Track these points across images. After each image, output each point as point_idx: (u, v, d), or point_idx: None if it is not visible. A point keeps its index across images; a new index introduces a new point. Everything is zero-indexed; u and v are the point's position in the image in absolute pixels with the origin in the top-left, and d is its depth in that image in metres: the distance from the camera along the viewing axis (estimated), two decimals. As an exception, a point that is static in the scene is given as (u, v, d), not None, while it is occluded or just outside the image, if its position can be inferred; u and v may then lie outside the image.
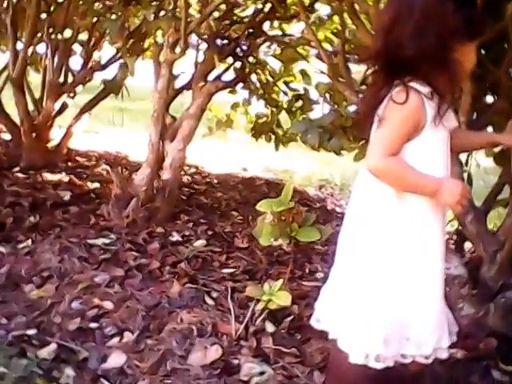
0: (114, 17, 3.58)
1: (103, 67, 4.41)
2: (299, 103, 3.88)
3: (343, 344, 1.51)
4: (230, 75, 3.88)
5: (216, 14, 3.60)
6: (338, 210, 4.29)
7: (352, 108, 2.73)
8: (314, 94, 3.69)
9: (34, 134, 4.19)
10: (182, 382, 1.94)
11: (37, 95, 4.34)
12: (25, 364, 1.95)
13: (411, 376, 1.58)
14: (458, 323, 1.62)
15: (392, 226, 1.46)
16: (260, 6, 3.67)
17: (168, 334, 2.17)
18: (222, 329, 2.21)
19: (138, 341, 2.15)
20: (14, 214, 3.16)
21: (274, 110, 4.16)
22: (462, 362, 2.01)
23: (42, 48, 4.36)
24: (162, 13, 3.23)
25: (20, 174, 3.90)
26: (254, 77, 4.09)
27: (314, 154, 4.11)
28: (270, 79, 4.12)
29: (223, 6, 3.59)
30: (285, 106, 4.05)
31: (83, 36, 4.39)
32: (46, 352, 2.05)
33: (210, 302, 2.41)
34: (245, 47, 3.76)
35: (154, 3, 3.33)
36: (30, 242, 2.86)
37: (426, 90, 1.40)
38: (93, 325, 2.24)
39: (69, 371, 1.96)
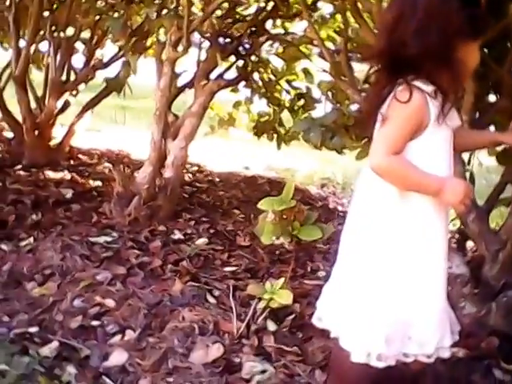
0: (116, 15, 3.58)
1: (105, 65, 4.42)
2: (301, 102, 3.88)
3: (345, 343, 1.51)
4: (232, 74, 3.87)
5: (218, 13, 3.60)
6: (339, 208, 4.29)
7: (354, 107, 2.73)
8: (316, 93, 3.69)
9: (36, 132, 4.20)
10: (183, 380, 1.94)
11: (39, 93, 4.35)
12: (27, 362, 1.96)
13: (413, 375, 1.58)
14: (459, 322, 1.62)
15: (395, 225, 1.46)
16: (263, 4, 3.67)
17: (170, 332, 2.17)
18: (223, 327, 2.21)
19: (139, 339, 2.15)
20: (16, 211, 3.16)
21: (276, 108, 4.16)
22: (463, 360, 2.01)
23: (44, 46, 4.37)
24: (165, 11, 3.22)
25: (22, 172, 3.91)
26: (256, 75, 4.09)
27: (315, 153, 4.11)
28: (273, 78, 4.11)
29: (226, 5, 3.59)
30: (287, 104, 4.04)
31: (86, 34, 4.39)
32: (48, 350, 2.05)
33: (211, 300, 2.41)
34: (247, 46, 3.76)
35: (157, 1, 3.33)
36: (32, 239, 2.86)
37: (429, 88, 1.40)
38: (95, 323, 2.24)
39: (70, 369, 1.97)
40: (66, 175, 3.95)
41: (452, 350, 1.57)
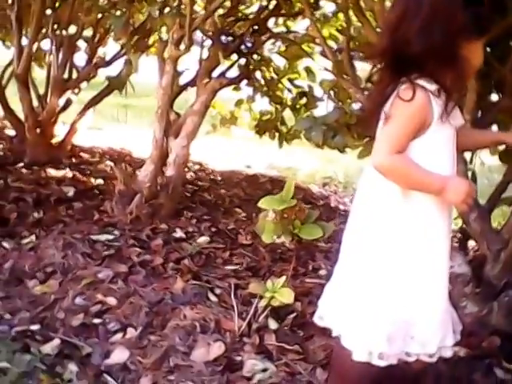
0: (118, 13, 3.58)
1: (108, 63, 4.42)
2: (303, 100, 3.88)
3: (346, 341, 1.51)
4: (234, 72, 3.87)
5: (221, 11, 3.60)
6: (341, 207, 4.29)
7: (356, 105, 2.72)
8: (318, 92, 3.69)
9: (38, 130, 4.20)
10: (184, 378, 1.94)
11: (41, 91, 4.36)
12: (28, 359, 1.96)
13: (414, 374, 1.58)
14: (461, 321, 1.62)
15: (397, 224, 1.46)
16: (265, 2, 3.67)
17: (171, 331, 2.17)
18: (225, 325, 2.21)
19: (141, 337, 2.15)
20: (18, 209, 3.17)
21: (278, 107, 4.16)
22: (464, 360, 2.01)
23: (46, 44, 4.37)
24: (167, 9, 3.22)
25: (24, 170, 3.91)
26: (258, 74, 4.09)
27: (317, 152, 4.11)
28: (275, 76, 4.11)
29: (228, 3, 3.60)
30: (289, 103, 4.05)
31: (88, 32, 4.40)
32: (50, 347, 2.05)
33: (213, 298, 2.41)
34: (249, 44, 3.76)
35: (159, -1, 3.33)
36: (33, 237, 2.87)
37: (432, 87, 1.39)
38: (96, 320, 2.24)
39: (72, 367, 1.97)
40: (68, 173, 3.95)
41: (453, 349, 1.57)
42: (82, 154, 4.64)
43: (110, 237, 2.91)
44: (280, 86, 4.14)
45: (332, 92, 3.08)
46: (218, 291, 2.47)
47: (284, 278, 2.19)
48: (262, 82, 4.15)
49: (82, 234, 2.89)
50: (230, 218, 3.44)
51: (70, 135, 4.43)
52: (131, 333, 2.17)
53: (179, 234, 3.06)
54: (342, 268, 1.59)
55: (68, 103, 4.32)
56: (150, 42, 4.18)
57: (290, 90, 4.09)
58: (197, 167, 4.82)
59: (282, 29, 4.02)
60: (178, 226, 3.16)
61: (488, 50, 1.92)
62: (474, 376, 1.99)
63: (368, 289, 1.50)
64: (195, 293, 2.42)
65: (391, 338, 1.46)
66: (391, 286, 1.48)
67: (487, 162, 2.77)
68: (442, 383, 1.87)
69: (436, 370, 1.74)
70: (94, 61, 4.40)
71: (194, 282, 2.51)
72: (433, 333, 1.50)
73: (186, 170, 4.09)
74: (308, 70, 3.83)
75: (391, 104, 1.42)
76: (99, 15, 4.07)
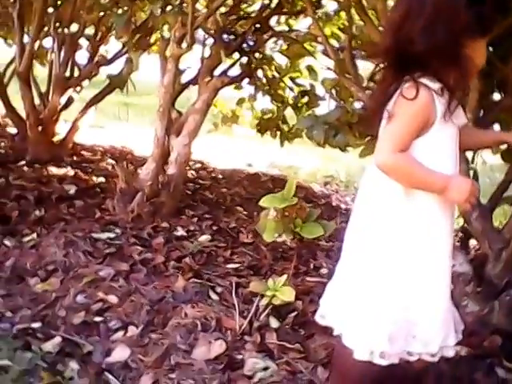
0: (120, 11, 3.58)
1: (109, 62, 4.43)
2: (305, 99, 3.88)
3: (348, 340, 1.51)
4: (236, 70, 3.88)
5: (223, 9, 3.59)
6: (342, 206, 4.29)
7: (358, 104, 2.72)
8: (320, 90, 3.69)
9: (39, 128, 4.21)
10: (185, 377, 1.94)
11: (43, 89, 4.36)
12: (29, 357, 1.96)
13: (416, 373, 1.58)
14: (462, 321, 1.62)
15: (400, 223, 1.46)
16: (267, 1, 3.67)
17: (172, 329, 2.17)
18: (226, 324, 2.21)
19: (142, 335, 2.15)
20: (20, 207, 3.17)
21: (280, 105, 4.17)
22: (466, 359, 2.00)
23: (48, 42, 4.38)
24: (169, 7, 3.22)
25: (25, 168, 3.91)
26: (260, 72, 4.09)
27: (319, 151, 4.11)
28: (276, 75, 4.11)
29: (230, 1, 3.60)
30: (291, 101, 4.05)
31: (90, 30, 4.40)
32: (51, 345, 2.05)
33: (214, 297, 2.41)
34: (251, 43, 3.76)
35: (161, -2, 3.33)
36: (35, 235, 2.87)
37: (436, 86, 1.39)
38: (97, 319, 2.24)
39: (73, 365, 1.97)
40: (70, 171, 3.95)
41: (455, 349, 1.57)
42: (83, 152, 4.64)
43: (112, 235, 2.92)
44: (282, 84, 4.14)
45: (334, 91, 3.07)
46: (219, 290, 2.47)
47: (285, 276, 2.19)
48: (264, 80, 4.15)
49: (84, 232, 2.89)
50: (232, 217, 3.44)
51: (71, 133, 4.43)
52: (132, 331, 2.18)
53: (180, 232, 3.06)
54: (344, 267, 1.59)
55: (70, 101, 4.32)
56: (152, 40, 4.18)
57: (291, 89, 4.09)
58: (198, 166, 4.82)
59: (284, 27, 4.02)
60: (180, 224, 3.16)
61: (490, 49, 1.92)
62: (476, 375, 1.99)
63: (370, 288, 1.50)
64: (196, 291, 2.42)
65: (393, 338, 1.45)
66: (393, 285, 1.48)
67: (489, 161, 2.77)
68: (443, 382, 1.87)
69: (437, 369, 1.74)
70: (96, 59, 4.41)
71: (195, 280, 2.51)
72: (435, 332, 1.50)
73: (188, 168, 4.10)
74: (310, 69, 3.83)
75: (394, 103, 1.42)
76: (101, 13, 4.06)
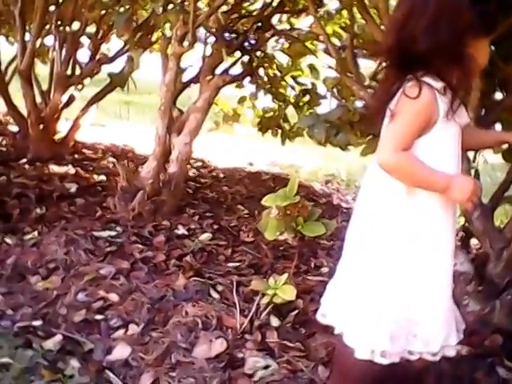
0: (122, 9, 3.57)
1: (111, 60, 4.42)
2: (306, 98, 3.88)
3: (349, 339, 1.51)
4: (237, 69, 3.88)
5: (224, 8, 3.59)
6: (343, 205, 4.29)
7: (360, 103, 2.72)
8: (321, 89, 3.69)
9: (41, 126, 4.21)
10: (186, 375, 1.94)
11: (44, 87, 4.36)
12: (30, 355, 1.96)
13: (416, 372, 1.57)
14: (463, 320, 1.61)
15: (401, 222, 1.45)
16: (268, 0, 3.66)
17: (173, 327, 2.17)
18: (226, 322, 2.21)
19: (142, 333, 2.15)
20: (21, 205, 3.17)
21: (281, 104, 4.16)
22: (466, 358, 2.00)
23: (50, 40, 4.38)
24: (171, 6, 3.22)
25: (27, 166, 3.91)
26: (261, 71, 4.09)
27: (320, 149, 4.11)
28: (278, 73, 4.11)
29: (232, 0, 3.59)
30: (292, 100, 4.04)
31: (91, 28, 4.40)
32: (52, 343, 2.06)
33: (215, 295, 2.41)
34: (253, 41, 3.75)
35: (163, -4, 3.32)
36: (36, 233, 2.87)
37: (438, 84, 1.39)
38: (98, 317, 2.25)
39: (74, 363, 1.97)
40: (71, 169, 3.95)
41: (456, 348, 1.57)
42: (84, 150, 4.64)
43: (113, 233, 2.92)
44: (283, 83, 4.14)
45: (335, 89, 3.07)
46: (219, 288, 2.47)
47: (286, 275, 2.20)
48: (265, 79, 4.15)
49: (85, 230, 2.89)
50: (233, 215, 3.44)
51: (72, 131, 4.44)
52: (133, 329, 2.18)
53: (181, 230, 3.06)
54: (345, 266, 1.58)
55: (71, 99, 4.32)
56: (154, 38, 4.18)
57: (293, 88, 4.09)
58: (199, 164, 4.83)
59: (286, 26, 4.01)
60: (181, 222, 3.16)
61: (492, 48, 1.91)
62: (476, 375, 1.99)
63: (371, 287, 1.49)
64: (197, 290, 2.42)
65: (394, 336, 1.45)
66: (395, 285, 1.47)
67: (490, 160, 2.77)
68: (444, 382, 1.87)
69: (438, 368, 1.73)
70: (98, 57, 4.41)
71: (196, 278, 2.51)
72: (436, 331, 1.50)
73: (189, 166, 4.09)
74: (311, 68, 3.83)
75: (397, 101, 1.42)
76: (103, 12, 4.06)
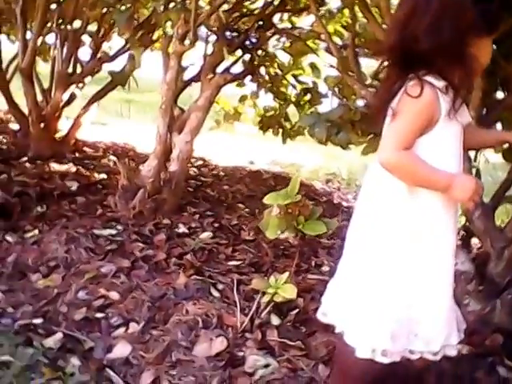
0: (123, 8, 3.57)
1: (112, 58, 4.42)
2: (308, 97, 3.88)
3: (350, 338, 1.51)
4: (238, 68, 3.88)
5: (226, 6, 3.59)
6: (344, 204, 4.29)
7: (361, 102, 2.72)
8: (322, 88, 3.69)
9: (42, 125, 4.21)
10: (186, 373, 1.95)
11: (45, 85, 4.36)
12: (31, 353, 1.96)
13: (417, 371, 1.57)
14: (464, 319, 1.61)
15: (403, 221, 1.45)
16: (270, -2, 3.66)
17: (173, 326, 2.18)
18: (227, 321, 2.21)
19: (143, 331, 2.15)
20: (22, 203, 3.16)
21: (282, 103, 4.16)
22: (467, 358, 2.00)
23: (51, 38, 4.38)
24: (172, 4, 3.22)
25: (28, 164, 3.91)
26: (262, 70, 4.09)
27: (321, 148, 4.11)
28: (279, 72, 4.11)
29: (233, -2, 3.59)
30: (293, 99, 4.05)
31: (92, 27, 4.40)
32: (52, 341, 2.06)
33: (215, 294, 2.41)
34: (254, 40, 3.76)
35: (164, -6, 3.32)
36: (36, 231, 2.87)
37: (440, 84, 1.39)
38: (99, 315, 2.25)
39: (74, 361, 1.97)
40: (71, 168, 3.95)
41: (457, 348, 1.57)
42: (85, 148, 4.65)
43: (113, 231, 2.92)
44: (284, 82, 4.13)
45: (336, 88, 3.07)
46: (220, 287, 2.47)
47: (287, 274, 2.20)
48: (267, 77, 4.15)
49: (85, 228, 2.90)
50: (233, 214, 3.44)
51: (73, 130, 4.44)
52: (133, 327, 2.18)
53: (182, 229, 3.06)
54: (346, 265, 1.58)
55: (72, 98, 4.32)
56: (155, 37, 4.18)
57: (294, 86, 4.09)
58: (200, 163, 4.82)
59: (287, 25, 4.01)
60: (181, 221, 3.16)
61: (494, 47, 1.91)
62: (477, 374, 1.99)
63: (372, 286, 1.49)
64: (198, 288, 2.43)
65: (395, 336, 1.45)
66: (396, 284, 1.47)
67: (491, 160, 2.77)
68: (445, 381, 1.87)
69: (439, 367, 1.73)
70: (99, 55, 4.41)
71: (197, 277, 2.51)
72: (437, 331, 1.49)
73: (190, 165, 4.10)
74: (313, 67, 3.83)
75: (399, 100, 1.42)
76: (104, 10, 4.06)
